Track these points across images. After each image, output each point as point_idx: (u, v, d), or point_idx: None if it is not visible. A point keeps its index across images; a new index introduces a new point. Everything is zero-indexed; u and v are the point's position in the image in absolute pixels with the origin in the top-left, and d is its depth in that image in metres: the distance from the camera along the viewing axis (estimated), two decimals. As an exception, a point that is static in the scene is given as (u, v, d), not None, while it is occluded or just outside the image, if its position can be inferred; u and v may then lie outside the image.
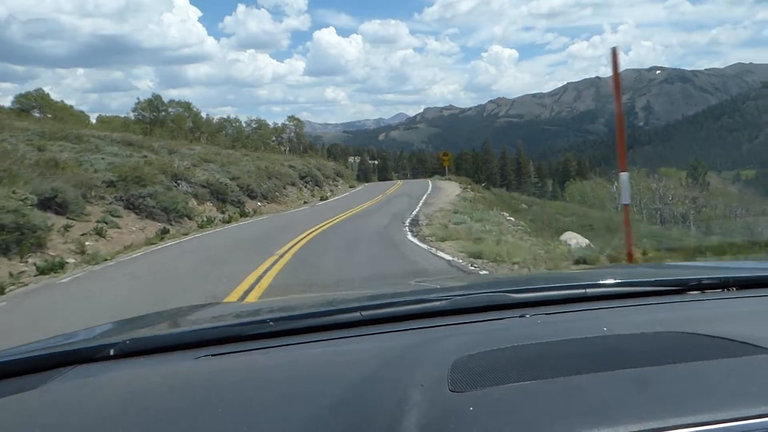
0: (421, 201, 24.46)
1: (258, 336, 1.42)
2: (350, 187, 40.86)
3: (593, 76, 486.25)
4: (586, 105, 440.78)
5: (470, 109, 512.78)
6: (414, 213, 18.95)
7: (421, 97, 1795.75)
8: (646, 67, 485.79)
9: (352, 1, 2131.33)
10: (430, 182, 40.01)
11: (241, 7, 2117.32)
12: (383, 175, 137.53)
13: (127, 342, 1.39)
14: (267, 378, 1.16)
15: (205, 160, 26.29)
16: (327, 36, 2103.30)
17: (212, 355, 1.31)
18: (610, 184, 56.80)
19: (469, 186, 36.09)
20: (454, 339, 1.27)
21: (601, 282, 1.74)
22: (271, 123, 45.59)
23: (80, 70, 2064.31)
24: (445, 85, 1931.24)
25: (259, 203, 25.94)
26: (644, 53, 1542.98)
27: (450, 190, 31.66)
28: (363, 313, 1.49)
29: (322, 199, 31.95)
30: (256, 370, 1.23)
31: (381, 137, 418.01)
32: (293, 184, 32.52)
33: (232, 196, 23.71)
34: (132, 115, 39.60)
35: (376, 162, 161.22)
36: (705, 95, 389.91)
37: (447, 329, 1.38)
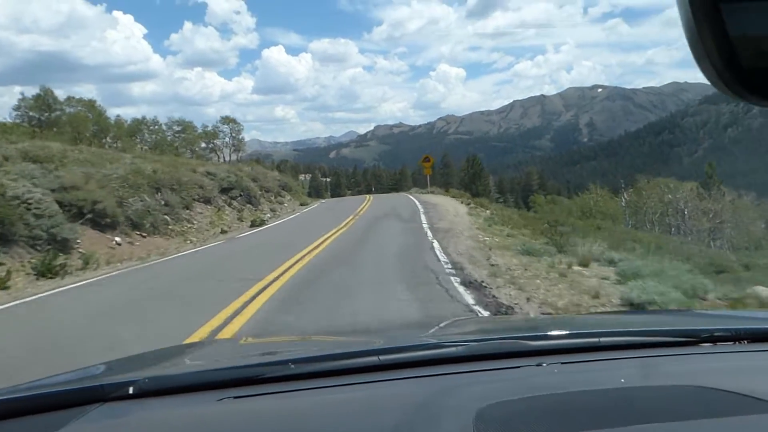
0: (426, 227, 15.47)
1: (278, 378, 1.40)
2: (301, 204, 32.05)
3: (538, 94, 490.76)
4: (533, 122, 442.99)
5: (420, 126, 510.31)
6: (441, 257, 9.92)
7: (371, 115, 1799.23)
8: (588, 85, 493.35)
9: (301, 21, 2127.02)
10: (411, 197, 31.97)
11: (187, 25, 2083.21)
12: (336, 192, 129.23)
13: (147, 380, 1.37)
14: (291, 426, 1.15)
15: (30, 158, 15.30)
16: (276, 54, 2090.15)
17: (234, 398, 1.29)
18: (613, 195, 49.58)
19: (471, 201, 27.43)
20: (474, 387, 1.28)
21: (615, 331, 1.76)
22: (199, 126, 35.97)
23: (17, 88, 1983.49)
24: (394, 103, 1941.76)
25: (117, 239, 14.07)
26: (586, 72, 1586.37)
27: (449, 206, 23.39)
28: (381, 357, 1.48)
29: (255, 224, 20.58)
30: (279, 416, 1.22)
31: (332, 155, 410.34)
32: (208, 201, 21.45)
33: (36, 226, 11.56)
34: (14, 116, 29.14)
35: (329, 179, 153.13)
36: (644, 112, 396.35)
37: (465, 376, 1.37)
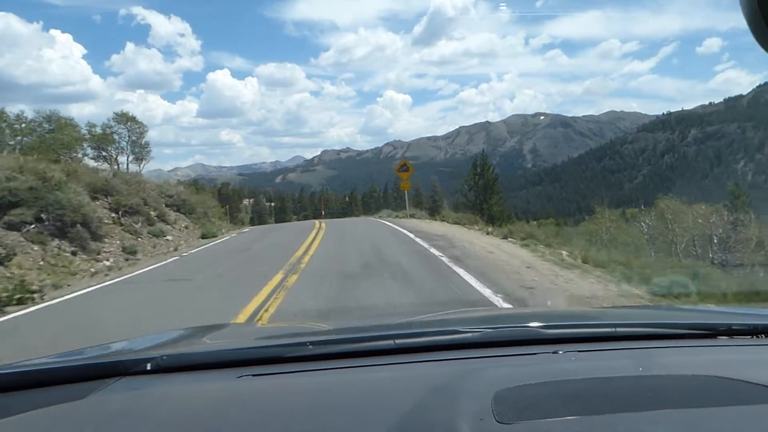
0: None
1: (296, 359, 1.42)
2: (204, 237, 21.22)
3: (483, 120, 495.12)
4: (478, 147, 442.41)
5: (367, 151, 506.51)
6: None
7: (318, 140, 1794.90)
8: (531, 113, 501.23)
9: (247, 45, 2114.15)
10: (391, 225, 21.42)
11: (130, 46, 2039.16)
12: (281, 217, 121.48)
13: (164, 357, 1.40)
14: (310, 402, 1.15)
15: None
16: (221, 78, 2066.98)
17: (253, 375, 1.31)
18: (624, 220, 43.72)
19: (513, 236, 15.57)
20: (490, 372, 1.27)
21: (631, 322, 1.74)
22: (84, 126, 27.38)
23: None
24: (342, 128, 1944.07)
25: None
26: (528, 100, 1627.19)
27: (475, 240, 14.53)
28: (397, 341, 1.50)
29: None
30: (298, 393, 1.22)
31: (278, 180, 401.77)
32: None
33: None
34: None
35: (273, 204, 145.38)
36: (584, 139, 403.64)
37: (481, 361, 1.38)
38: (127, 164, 27.92)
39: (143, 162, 28.98)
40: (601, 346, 1.48)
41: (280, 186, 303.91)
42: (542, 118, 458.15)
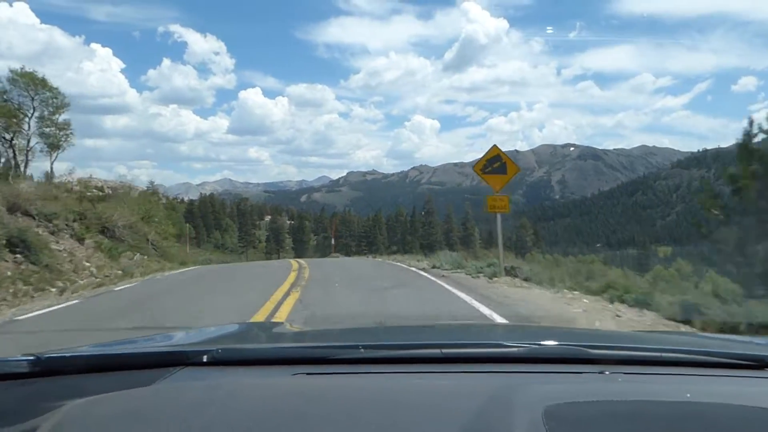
0: None
1: (348, 360, 1.45)
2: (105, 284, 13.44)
3: (512, 149, 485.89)
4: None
5: (393, 174, 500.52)
6: None
7: (344, 161, 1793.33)
8: (561, 143, 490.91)
9: (279, 65, 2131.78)
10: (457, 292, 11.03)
11: (166, 62, 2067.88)
12: (298, 237, 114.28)
13: (220, 351, 1.46)
14: (364, 403, 1.16)
15: None
16: (253, 96, 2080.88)
17: (307, 374, 1.35)
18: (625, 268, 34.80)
19: None
20: (538, 387, 1.26)
21: (679, 348, 1.72)
22: None
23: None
24: (368, 151, 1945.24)
25: None
26: (557, 131, 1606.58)
27: None
28: (444, 350, 1.52)
29: None
30: (352, 394, 1.23)
31: (303, 198, 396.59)
32: None
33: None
34: None
35: (292, 222, 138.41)
36: (614, 172, 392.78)
37: (527, 376, 1.38)
38: (27, 157, 19.47)
39: (56, 152, 20.74)
40: (647, 369, 1.47)
41: (305, 205, 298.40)
42: (572, 149, 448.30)
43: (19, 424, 1.07)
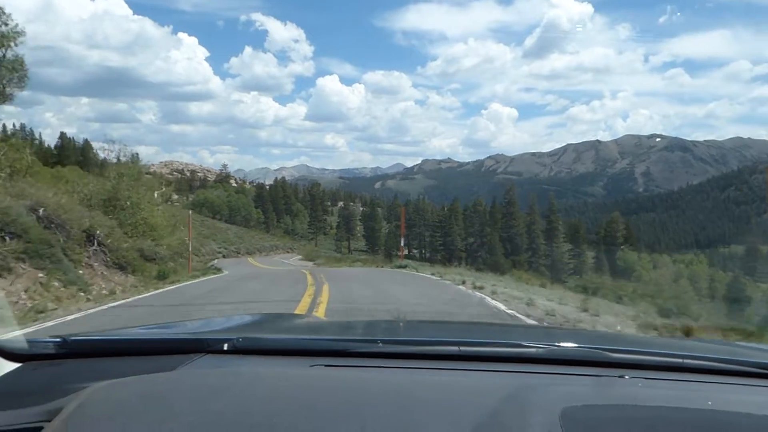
0: None
1: (366, 354, 1.47)
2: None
3: (593, 139, 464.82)
4: (586, 167, 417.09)
5: (469, 163, 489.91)
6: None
7: (419, 149, 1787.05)
8: (646, 134, 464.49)
9: (357, 52, 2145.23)
10: None
11: (248, 50, 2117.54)
12: (370, 224, 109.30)
13: (240, 340, 1.49)
14: (382, 397, 1.16)
15: None
16: (330, 83, 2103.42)
17: (325, 366, 1.38)
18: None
19: None
20: (556, 388, 1.26)
21: (700, 355, 1.67)
22: None
23: (84, 99, 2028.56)
24: (444, 139, 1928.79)
25: None
26: (642, 121, 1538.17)
27: None
28: (462, 348, 1.53)
29: None
30: (370, 387, 1.23)
31: (377, 185, 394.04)
32: None
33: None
34: None
35: (364, 209, 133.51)
36: (704, 165, 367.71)
37: (545, 377, 1.37)
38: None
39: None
40: (668, 375, 1.44)
41: (378, 192, 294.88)
42: (658, 140, 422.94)
43: (45, 404, 1.10)
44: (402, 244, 29.01)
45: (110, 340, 1.55)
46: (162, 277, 15.55)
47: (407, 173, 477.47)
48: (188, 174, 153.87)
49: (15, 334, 1.53)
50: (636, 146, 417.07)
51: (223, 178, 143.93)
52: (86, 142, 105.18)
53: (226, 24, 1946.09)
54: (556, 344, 1.60)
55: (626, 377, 1.37)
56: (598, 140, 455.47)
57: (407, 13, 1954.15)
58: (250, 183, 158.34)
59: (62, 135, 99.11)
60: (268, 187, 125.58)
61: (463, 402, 1.12)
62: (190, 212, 16.67)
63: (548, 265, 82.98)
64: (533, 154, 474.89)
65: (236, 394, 1.11)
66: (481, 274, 20.88)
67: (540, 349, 1.51)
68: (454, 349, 1.51)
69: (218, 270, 24.03)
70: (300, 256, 53.16)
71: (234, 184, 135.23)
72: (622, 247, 79.73)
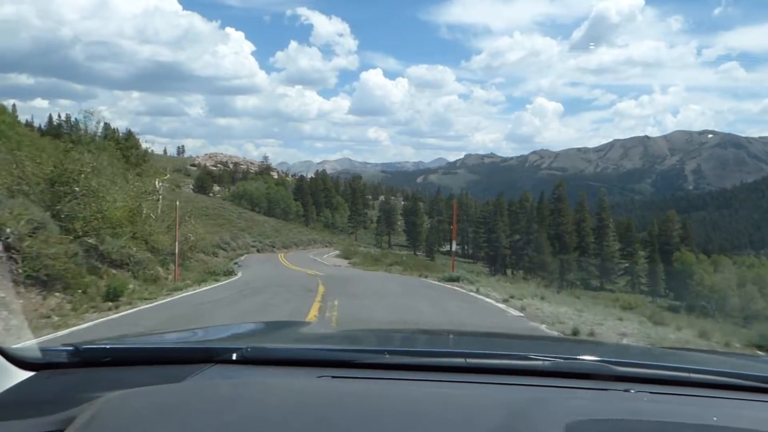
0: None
1: (373, 365, 1.46)
2: None
3: (641, 134, 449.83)
4: (633, 164, 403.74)
5: (512, 158, 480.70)
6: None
7: (462, 144, 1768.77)
8: (697, 130, 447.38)
9: (400, 46, 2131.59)
10: None
11: (293, 44, 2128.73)
12: (411, 219, 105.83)
13: (248, 349, 1.50)
14: (387, 410, 1.17)
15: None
16: (374, 77, 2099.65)
17: (332, 377, 1.38)
18: None
19: None
20: (562, 402, 1.26)
21: (707, 369, 1.65)
22: None
23: (135, 93, 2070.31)
24: (487, 134, 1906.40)
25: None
26: (693, 117, 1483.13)
27: None
28: (468, 360, 1.52)
29: None
30: (376, 399, 1.23)
31: (419, 180, 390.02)
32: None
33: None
34: None
35: (406, 203, 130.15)
36: (759, 163, 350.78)
37: (551, 390, 1.38)
38: None
39: None
40: (674, 389, 1.43)
41: (420, 186, 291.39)
42: (710, 136, 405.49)
43: (59, 413, 1.11)
44: (453, 248, 23.52)
45: (122, 349, 1.55)
46: (112, 295, 11.21)
47: (450, 168, 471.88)
48: (231, 166, 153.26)
49: (28, 343, 1.47)
50: (687, 142, 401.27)
51: (264, 170, 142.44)
52: (129, 133, 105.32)
53: (273, 18, 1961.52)
54: (564, 357, 1.59)
55: (632, 391, 1.37)
56: (646, 136, 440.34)
57: (452, 7, 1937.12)
58: (292, 176, 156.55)
59: (106, 125, 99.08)
60: (308, 179, 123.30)
61: (470, 416, 1.11)
62: (177, 203, 13.26)
63: (597, 265, 78.37)
64: (578, 149, 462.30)
65: (247, 406, 1.11)
66: (570, 298, 17.34)
67: (547, 362, 1.50)
68: (460, 360, 1.50)
69: (229, 274, 21.02)
70: (337, 252, 50.07)
71: (275, 177, 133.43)
72: (681, 248, 74.43)
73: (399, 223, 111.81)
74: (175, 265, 16.87)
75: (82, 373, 1.40)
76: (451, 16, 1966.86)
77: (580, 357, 1.68)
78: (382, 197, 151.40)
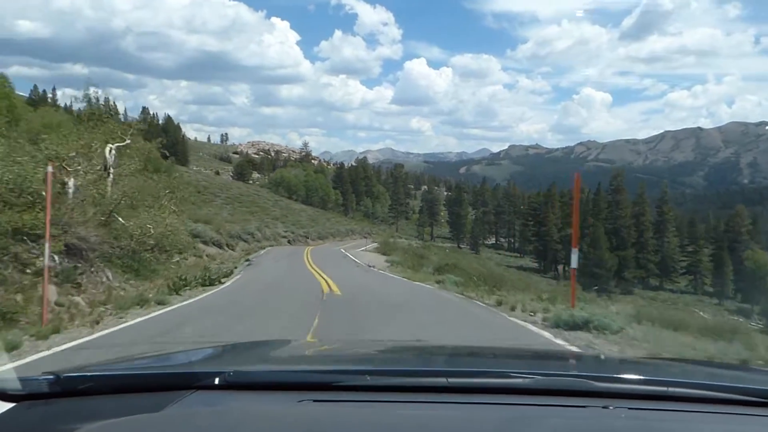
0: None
1: (355, 387, 1.45)
2: None
3: (694, 126, 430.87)
4: (684, 156, 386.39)
5: (558, 150, 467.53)
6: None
7: (506, 134, 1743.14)
8: (754, 121, 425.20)
9: (445, 35, 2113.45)
10: None
11: (337, 33, 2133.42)
12: (455, 210, 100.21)
13: (231, 374, 1.47)
14: None
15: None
16: (417, 66, 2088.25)
17: (313, 401, 1.37)
18: None
19: None
20: (541, 421, 1.28)
21: (685, 382, 1.64)
22: None
23: (183, 83, 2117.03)
24: (532, 124, 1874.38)
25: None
26: (750, 107, 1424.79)
27: None
28: (450, 379, 1.52)
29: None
30: (357, 424, 1.23)
31: (462, 170, 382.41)
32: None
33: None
34: None
35: (449, 193, 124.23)
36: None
37: (532, 409, 1.38)
38: None
39: None
40: (652, 404, 1.43)
41: (463, 177, 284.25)
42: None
43: None
44: (574, 264, 7.82)
45: (104, 376, 1.52)
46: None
47: (493, 158, 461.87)
48: (273, 154, 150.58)
49: (6, 368, 1.45)
50: (742, 134, 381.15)
51: (304, 157, 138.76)
52: (168, 119, 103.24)
53: (317, 8, 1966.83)
54: (543, 373, 1.59)
55: (610, 408, 1.36)
56: (699, 127, 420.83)
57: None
58: (333, 164, 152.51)
59: (144, 110, 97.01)
60: (348, 167, 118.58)
61: None
62: (50, 168, 8.45)
63: (657, 263, 71.54)
64: (627, 141, 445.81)
65: None
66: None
67: (527, 380, 1.50)
68: (442, 380, 1.50)
69: (226, 277, 16.13)
70: (375, 244, 45.02)
71: (315, 164, 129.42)
72: (750, 246, 67.05)
73: (442, 213, 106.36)
74: (43, 291, 8.42)
75: (63, 403, 1.37)
76: (497, 4, 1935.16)
77: (560, 373, 1.68)
78: (424, 187, 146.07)
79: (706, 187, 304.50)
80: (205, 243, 23.04)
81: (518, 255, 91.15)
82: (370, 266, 25.06)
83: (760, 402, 1.45)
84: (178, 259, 15.11)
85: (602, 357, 4.71)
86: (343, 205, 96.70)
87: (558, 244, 76.50)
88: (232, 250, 26.38)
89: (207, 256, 20.72)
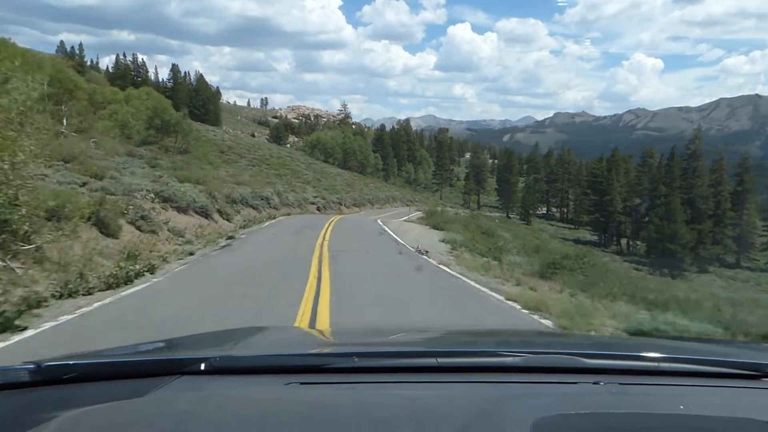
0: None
1: (343, 369, 1.43)
2: None
3: (752, 93, 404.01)
4: (741, 124, 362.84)
5: (605, 117, 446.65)
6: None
7: (551, 102, 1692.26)
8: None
9: None
10: None
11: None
12: (504, 177, 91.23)
13: (218, 359, 1.43)
14: (354, 416, 1.14)
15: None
16: (461, 32, 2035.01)
17: (300, 383, 1.33)
18: None
19: None
20: (530, 399, 1.25)
21: (675, 357, 1.64)
22: None
23: (226, 49, 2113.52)
24: (579, 92, 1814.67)
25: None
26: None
27: None
28: (439, 359, 1.49)
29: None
30: (343, 405, 1.21)
31: (505, 138, 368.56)
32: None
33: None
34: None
35: (495, 161, 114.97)
36: None
37: (521, 387, 1.36)
38: None
39: None
40: (642, 380, 1.42)
41: (507, 145, 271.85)
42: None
43: None
44: None
45: (87, 364, 1.45)
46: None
47: (537, 126, 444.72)
48: (312, 118, 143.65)
49: None
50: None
51: (342, 119, 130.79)
52: (200, 77, 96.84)
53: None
54: (533, 351, 1.56)
55: (601, 383, 1.35)
56: (757, 95, 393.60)
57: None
58: (375, 130, 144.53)
59: (174, 67, 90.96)
60: (389, 131, 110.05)
61: (439, 417, 1.10)
62: None
63: (734, 237, 62.00)
64: (679, 108, 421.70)
65: (211, 418, 1.08)
66: None
67: (516, 358, 1.47)
68: (431, 360, 1.47)
69: (128, 281, 8.79)
70: (420, 213, 37.16)
71: (353, 127, 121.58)
72: None
73: (489, 181, 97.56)
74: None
75: (44, 391, 1.31)
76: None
77: (550, 351, 1.65)
78: (468, 154, 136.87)
79: (764, 157, 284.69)
80: (180, 210, 15.70)
81: (573, 227, 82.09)
82: (420, 252, 14.68)
83: (748, 374, 1.44)
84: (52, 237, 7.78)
85: (592, 333, 4.80)
86: (383, 170, 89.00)
87: (621, 215, 67.35)
88: (227, 220, 19.05)
89: (169, 230, 13.39)
